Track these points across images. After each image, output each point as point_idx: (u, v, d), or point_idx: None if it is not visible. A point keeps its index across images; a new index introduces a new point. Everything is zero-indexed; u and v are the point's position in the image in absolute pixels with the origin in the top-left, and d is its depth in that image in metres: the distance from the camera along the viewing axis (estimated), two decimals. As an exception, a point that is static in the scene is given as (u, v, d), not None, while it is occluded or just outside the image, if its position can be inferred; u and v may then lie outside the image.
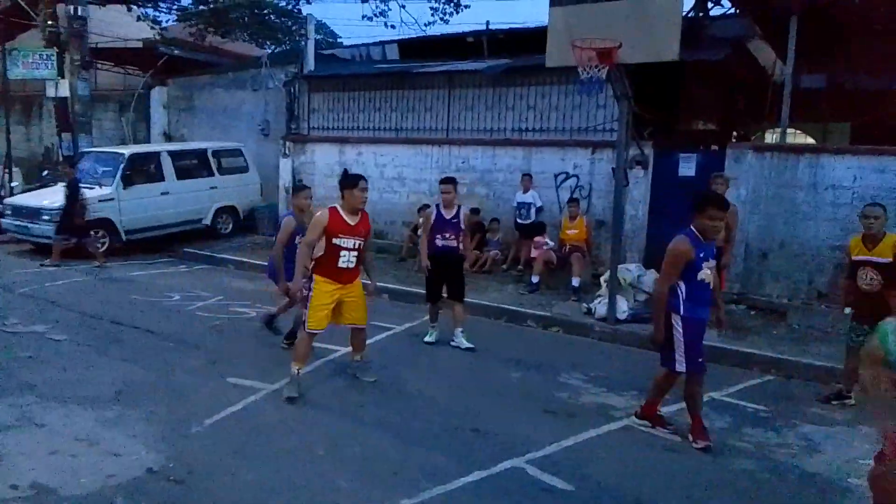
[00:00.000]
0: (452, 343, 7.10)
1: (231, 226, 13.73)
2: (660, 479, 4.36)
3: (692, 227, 4.73)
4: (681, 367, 4.77)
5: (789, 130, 11.03)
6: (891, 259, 5.46)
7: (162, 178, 12.55)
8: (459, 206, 7.10)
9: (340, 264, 5.49)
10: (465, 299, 7.34)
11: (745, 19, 11.26)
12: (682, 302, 4.73)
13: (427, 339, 7.27)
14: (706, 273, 4.71)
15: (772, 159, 9.14)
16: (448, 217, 7.04)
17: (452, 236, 7.03)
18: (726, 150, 9.59)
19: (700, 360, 4.79)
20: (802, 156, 9.05)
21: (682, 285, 4.72)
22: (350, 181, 5.58)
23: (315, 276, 5.50)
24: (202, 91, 16.47)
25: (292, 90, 14.36)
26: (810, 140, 15.14)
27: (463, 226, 7.10)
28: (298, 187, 7.37)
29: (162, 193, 12.46)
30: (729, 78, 13.14)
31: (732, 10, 11.51)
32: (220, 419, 5.04)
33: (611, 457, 4.66)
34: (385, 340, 7.33)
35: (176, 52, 17.53)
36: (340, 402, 5.51)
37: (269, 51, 21.72)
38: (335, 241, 5.43)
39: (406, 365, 6.53)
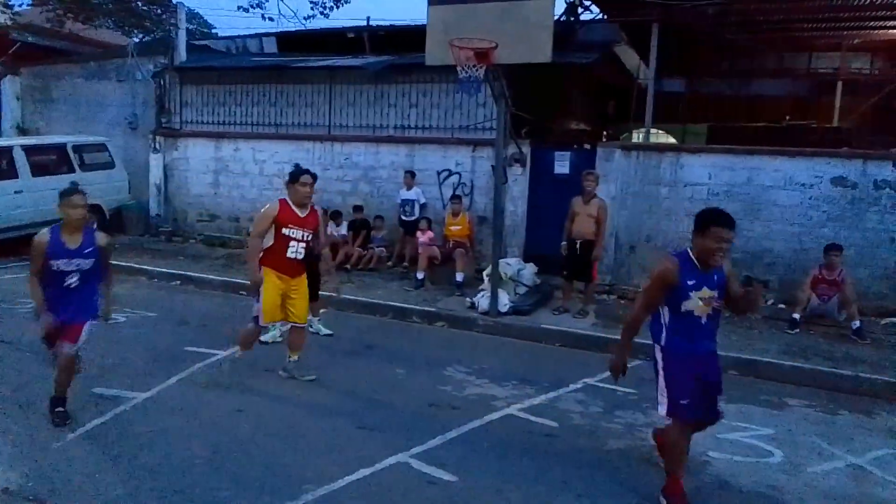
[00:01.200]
0: (311, 329, 6.90)
1: (96, 226, 12.76)
2: (539, 464, 4.54)
3: (689, 248, 3.97)
4: (662, 409, 4.01)
5: (653, 131, 11.79)
6: None
7: (15, 176, 11.48)
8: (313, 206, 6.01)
9: (289, 254, 5.62)
10: (349, 297, 7.35)
11: (613, 26, 11.94)
12: (664, 331, 4.02)
13: (264, 337, 6.66)
14: (695, 303, 3.86)
15: (638, 158, 9.75)
16: (302, 216, 5.81)
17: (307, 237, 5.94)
18: (597, 149, 10.12)
19: (684, 402, 3.90)
20: (665, 155, 9.72)
21: (667, 313, 3.98)
22: (292, 177, 5.75)
23: (264, 268, 5.60)
24: (61, 81, 15.23)
25: (162, 82, 13.63)
26: (672, 140, 16.25)
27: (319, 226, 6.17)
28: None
29: (15, 192, 11.40)
30: (599, 80, 13.87)
31: (601, 17, 12.13)
32: (85, 432, 4.71)
33: (493, 446, 4.80)
34: (258, 345, 7.12)
35: (30, 38, 16.05)
36: (217, 408, 5.30)
37: (137, 40, 20.43)
38: (284, 231, 5.59)
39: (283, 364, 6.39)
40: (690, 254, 3.93)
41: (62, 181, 11.91)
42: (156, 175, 13.48)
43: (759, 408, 5.76)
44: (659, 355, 4.06)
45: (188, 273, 10.07)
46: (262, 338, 6.60)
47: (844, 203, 8.68)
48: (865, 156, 8.78)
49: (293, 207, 5.68)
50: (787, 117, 15.90)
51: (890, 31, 12.44)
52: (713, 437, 5.04)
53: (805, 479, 4.47)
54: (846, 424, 5.50)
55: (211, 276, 9.93)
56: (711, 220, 3.80)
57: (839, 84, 14.44)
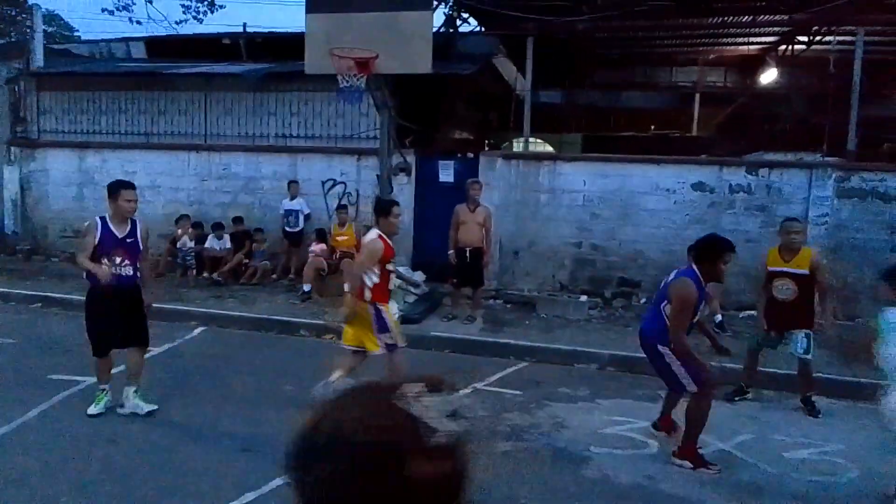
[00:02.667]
0: (120, 409, 5.32)
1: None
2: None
3: (697, 269, 4.71)
4: (692, 387, 4.70)
5: (532, 140, 12.22)
6: (808, 271, 5.81)
7: None
8: (135, 221, 5.42)
9: (390, 286, 5.54)
10: (232, 312, 7.01)
11: (491, 38, 12.27)
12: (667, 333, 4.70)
13: (92, 409, 5.29)
14: (700, 315, 4.97)
15: (518, 166, 10.07)
16: (120, 235, 5.28)
17: (127, 261, 5.29)
18: (479, 158, 10.36)
19: (705, 375, 4.72)
20: (543, 163, 10.10)
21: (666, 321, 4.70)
22: (384, 208, 5.48)
23: (381, 306, 5.29)
24: None
25: (17, 88, 12.55)
26: (550, 149, 16.92)
27: (141, 246, 5.43)
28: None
29: None
30: (480, 91, 14.21)
31: (479, 29, 12.45)
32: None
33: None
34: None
35: None
36: (85, 439, 4.92)
37: (-14, 42, 18.71)
38: (388, 266, 5.38)
39: (172, 389, 6.05)
40: (698, 273, 4.70)
41: None
42: (11, 189, 12.40)
43: (635, 402, 6.08)
44: (667, 352, 4.71)
45: (51, 294, 9.30)
46: (90, 411, 5.29)
47: (705, 206, 9.38)
48: (721, 162, 9.55)
49: (389, 241, 5.40)
50: (653, 127, 17.00)
51: (740, 47, 13.62)
52: (594, 433, 5.28)
53: (677, 468, 4.76)
54: (712, 412, 5.89)
55: (77, 297, 9.16)
56: (724, 249, 4.66)
57: (697, 96, 15.62)
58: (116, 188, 5.41)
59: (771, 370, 6.80)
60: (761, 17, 10.75)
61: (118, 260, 5.25)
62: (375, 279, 5.25)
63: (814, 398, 6.03)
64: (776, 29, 11.82)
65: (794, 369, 6.81)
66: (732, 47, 13.73)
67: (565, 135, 16.02)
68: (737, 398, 6.20)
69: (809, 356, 5.96)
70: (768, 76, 13.94)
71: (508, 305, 9.55)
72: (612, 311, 9.17)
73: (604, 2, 10.25)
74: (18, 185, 12.38)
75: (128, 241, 5.33)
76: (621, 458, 4.90)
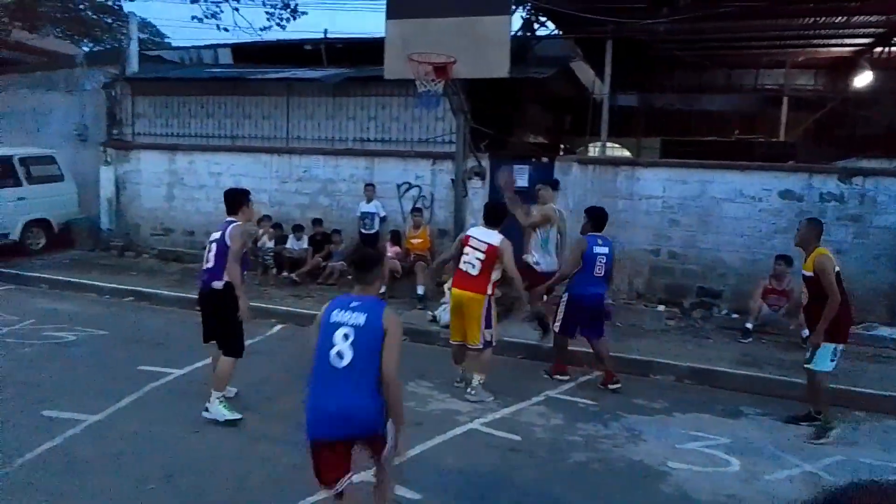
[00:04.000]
0: (204, 413, 5.26)
1: (43, 240, 12.41)
2: (503, 479, 4.55)
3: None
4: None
5: (608, 144, 12.02)
6: (812, 273, 5.40)
7: (-42, 188, 11.07)
8: (231, 223, 5.35)
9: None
10: (310, 311, 7.16)
11: (568, 41, 12.14)
12: None
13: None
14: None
15: (594, 171, 9.91)
16: (214, 236, 5.42)
17: (209, 263, 5.33)
18: (554, 163, 10.25)
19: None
20: (620, 168, 9.90)
21: None
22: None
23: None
24: (5, 92, 14.72)
25: (113, 93, 13.30)
26: (627, 153, 16.59)
27: (230, 244, 5.22)
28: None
29: (-42, 205, 10.99)
30: (555, 94, 14.08)
31: (557, 32, 12.34)
32: (34, 457, 4.54)
33: (457, 461, 4.79)
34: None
35: (-27, 47, 15.56)
36: (172, 430, 5.17)
37: (87, 49, 19.94)
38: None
39: (253, 384, 6.26)
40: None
41: (7, 195, 11.66)
42: (107, 188, 13.12)
43: (715, 417, 5.88)
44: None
45: (141, 289, 9.80)
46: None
47: (792, 215, 8.96)
48: (811, 169, 9.10)
49: None
50: (736, 131, 16.40)
51: (832, 49, 12.98)
52: (672, 447, 5.14)
53: (761, 487, 4.58)
54: (799, 432, 5.65)
55: (165, 292, 9.69)
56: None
57: (785, 99, 14.97)
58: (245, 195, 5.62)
59: (861, 389, 6.45)
60: (855, 17, 10.21)
61: (206, 262, 5.39)
62: (497, 275, 5.92)
63: (830, 420, 5.48)
64: (871, 30, 11.21)
65: (886, 389, 6.47)
66: (823, 49, 13.10)
67: (643, 139, 15.68)
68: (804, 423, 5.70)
69: (811, 366, 5.47)
70: (862, 79, 13.22)
71: (582, 312, 9.39)
72: (691, 321, 8.89)
73: (686, 3, 9.97)
74: (114, 185, 13.09)
75: (214, 241, 5.37)
76: (701, 475, 4.74)
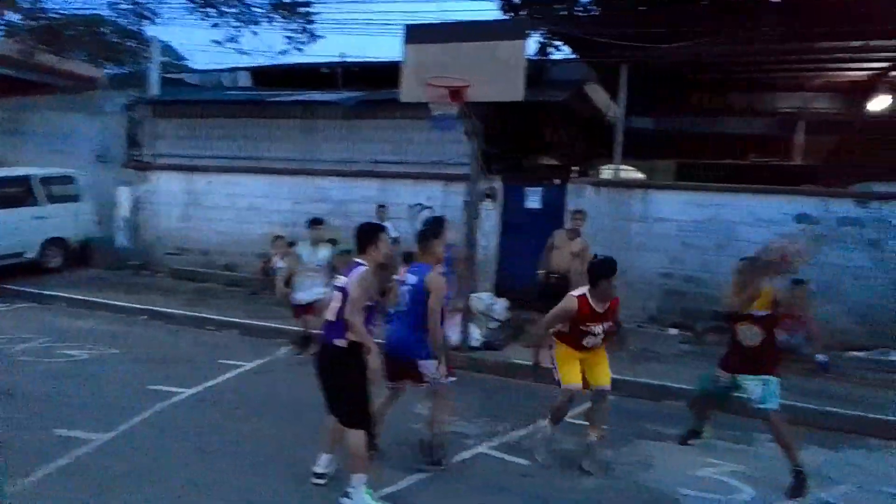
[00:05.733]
0: (345, 501, 4.32)
1: (60, 259, 12.57)
2: (514, 503, 4.49)
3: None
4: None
5: (622, 167, 12.00)
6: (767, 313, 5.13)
7: (-22, 208, 11.26)
8: (358, 265, 4.45)
9: (585, 343, 5.25)
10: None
11: (583, 65, 12.19)
12: None
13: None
14: None
15: (608, 194, 9.89)
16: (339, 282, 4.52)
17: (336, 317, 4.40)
18: (567, 185, 10.25)
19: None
20: (634, 191, 9.88)
21: None
22: (604, 273, 5.18)
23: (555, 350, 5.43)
24: (30, 113, 15.02)
25: (135, 115, 13.54)
26: (641, 176, 16.53)
27: (355, 292, 4.31)
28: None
29: (-22, 224, 11.17)
30: (569, 117, 14.10)
31: (572, 56, 12.40)
32: (44, 475, 4.55)
33: (464, 486, 4.73)
34: (234, 379, 6.99)
35: (1, 70, 15.92)
36: (183, 449, 5.16)
37: (110, 72, 20.34)
38: (581, 327, 5.18)
39: (262, 404, 6.26)
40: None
41: (25, 214, 11.85)
42: (124, 208, 13.30)
43: (727, 443, 5.77)
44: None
45: (155, 308, 9.88)
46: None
47: (809, 239, 8.87)
48: (828, 193, 9.03)
49: (592, 303, 5.19)
50: (752, 155, 16.29)
51: (849, 72, 12.89)
52: (684, 474, 5.05)
53: (774, 517, 4.48)
54: (814, 459, 5.52)
55: (179, 311, 9.75)
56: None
57: (802, 123, 14.86)
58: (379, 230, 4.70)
59: (876, 416, 6.32)
60: (873, 41, 10.16)
61: (329, 314, 4.48)
62: (565, 329, 5.29)
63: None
64: (889, 54, 11.14)
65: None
66: (841, 72, 13.02)
67: (657, 162, 15.63)
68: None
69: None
70: (879, 103, 13.11)
71: (594, 336, 9.31)
72: (704, 345, 8.77)
73: (702, 28, 9.98)
74: (131, 205, 13.28)
75: (339, 287, 4.47)
76: (712, 501, 4.65)
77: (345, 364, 4.36)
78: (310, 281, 7.70)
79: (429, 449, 4.97)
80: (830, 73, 13.09)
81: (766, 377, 5.09)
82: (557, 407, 5.23)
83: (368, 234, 4.57)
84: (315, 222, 8.04)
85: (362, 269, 4.39)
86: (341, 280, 4.46)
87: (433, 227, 5.18)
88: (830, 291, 8.72)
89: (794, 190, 9.36)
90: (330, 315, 4.40)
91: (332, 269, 7.11)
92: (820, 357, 7.80)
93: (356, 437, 4.30)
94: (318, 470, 4.63)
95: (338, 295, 4.39)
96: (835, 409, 6.49)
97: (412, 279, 4.92)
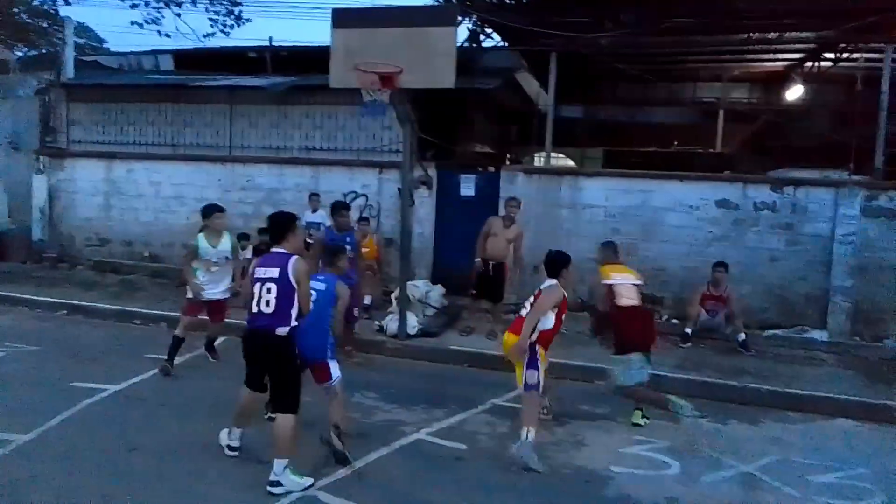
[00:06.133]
0: (274, 489, 4.36)
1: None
2: (448, 488, 4.53)
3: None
4: None
5: (553, 154, 12.21)
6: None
7: None
8: (286, 256, 4.58)
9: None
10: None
11: (514, 53, 12.30)
12: None
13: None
14: None
15: (539, 181, 10.04)
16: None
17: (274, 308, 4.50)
18: (500, 173, 10.35)
19: None
20: (564, 178, 10.07)
21: None
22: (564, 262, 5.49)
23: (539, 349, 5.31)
24: (-69, 96, 14.03)
25: (48, 99, 12.83)
26: (571, 163, 16.87)
27: (297, 285, 4.52)
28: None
29: None
30: (501, 105, 14.23)
31: (502, 44, 12.49)
32: (-45, 481, 4.30)
33: (402, 472, 4.75)
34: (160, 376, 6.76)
35: None
36: (108, 449, 4.96)
37: (20, 55, 19.14)
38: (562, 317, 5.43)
39: (187, 401, 6.08)
40: None
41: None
42: (39, 197, 12.63)
43: (656, 421, 5.98)
44: None
45: (76, 301, 9.43)
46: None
47: (728, 223, 9.28)
48: (746, 179, 9.44)
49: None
50: (676, 143, 16.88)
51: (765, 63, 13.50)
52: (615, 452, 5.22)
53: (700, 489, 4.69)
54: (736, 434, 5.82)
55: (102, 305, 9.35)
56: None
57: (721, 112, 15.49)
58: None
59: (795, 391, 6.70)
60: (788, 33, 10.66)
61: (262, 305, 4.53)
62: (549, 324, 5.32)
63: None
64: (803, 46, 11.72)
65: (818, 390, 6.75)
66: (757, 63, 13.62)
67: (587, 150, 15.97)
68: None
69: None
70: (794, 92, 13.79)
71: (527, 320, 9.47)
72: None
73: (627, 19, 10.23)
74: (46, 194, 12.61)
75: (270, 279, 4.53)
76: (642, 478, 4.83)
77: (287, 353, 4.53)
78: (214, 275, 6.84)
79: (331, 447, 4.80)
80: (748, 63, 13.68)
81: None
82: (536, 409, 5.30)
83: (286, 223, 4.71)
84: (215, 209, 7.00)
85: (296, 257, 4.56)
86: (267, 271, 4.52)
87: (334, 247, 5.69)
88: (748, 273, 9.16)
89: (714, 176, 9.75)
90: (266, 306, 4.45)
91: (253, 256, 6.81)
92: (740, 336, 8.23)
93: (288, 421, 4.48)
94: (234, 444, 4.86)
95: (272, 287, 4.46)
96: (754, 385, 6.83)
97: (320, 286, 5.03)
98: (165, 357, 6.70)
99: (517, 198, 8.69)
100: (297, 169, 11.23)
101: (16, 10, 19.79)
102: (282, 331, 4.46)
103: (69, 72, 12.82)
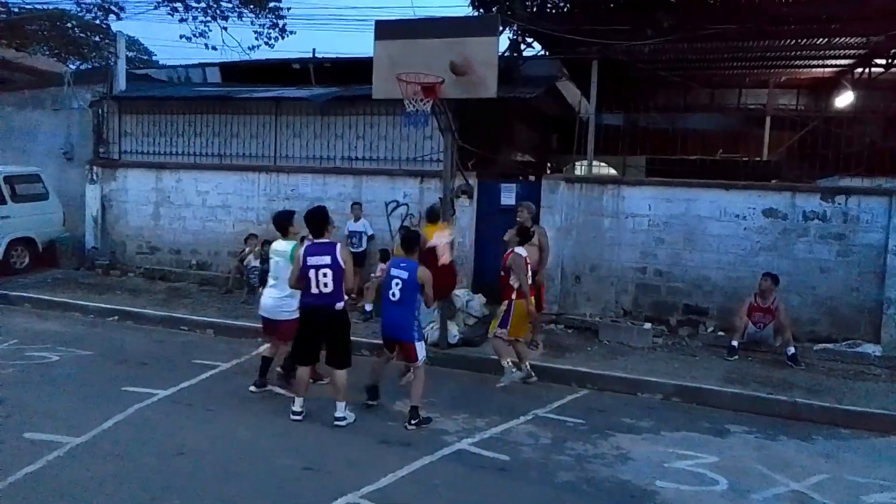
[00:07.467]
0: (341, 423, 5.70)
1: (27, 259, 12.28)
2: (492, 500, 4.52)
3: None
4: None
5: (595, 163, 12.12)
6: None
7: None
8: (333, 245, 5.82)
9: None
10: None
11: (555, 62, 12.27)
12: None
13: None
14: None
15: (581, 189, 9.97)
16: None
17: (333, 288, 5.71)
18: (542, 181, 10.31)
19: None
20: (607, 187, 9.97)
21: None
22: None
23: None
24: (-9, 109, 14.63)
25: (100, 111, 13.27)
26: (613, 172, 16.71)
27: (342, 262, 5.70)
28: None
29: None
30: (542, 114, 14.20)
31: (543, 53, 12.48)
32: (15, 481, 4.46)
33: (445, 482, 4.76)
34: (209, 380, 6.91)
35: (-42, 65, 15.48)
36: (155, 452, 5.09)
37: (74, 67, 19.88)
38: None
39: (233, 406, 6.21)
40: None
41: (-8, 213, 11.54)
42: (92, 206, 13.04)
43: (702, 435, 5.89)
44: None
45: (126, 308, 9.70)
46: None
47: (776, 233, 9.06)
48: (794, 188, 9.21)
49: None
50: (720, 150, 16.58)
51: (813, 69, 13.21)
52: (660, 466, 5.14)
53: (748, 506, 4.58)
54: (786, 450, 5.67)
55: (151, 311, 9.60)
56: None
57: (768, 119, 15.18)
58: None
59: (847, 407, 6.50)
60: (837, 39, 10.41)
61: (321, 286, 5.72)
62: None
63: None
64: (852, 52, 11.43)
65: (871, 406, 6.54)
66: (805, 70, 13.33)
67: (629, 157, 15.80)
68: None
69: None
70: (843, 99, 13.45)
71: (570, 330, 9.40)
72: (678, 339, 8.93)
73: (670, 25, 10.13)
74: (99, 204, 13.02)
75: (325, 266, 5.71)
76: (689, 494, 4.74)
77: (344, 322, 5.83)
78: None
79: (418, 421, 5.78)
80: (796, 69, 13.39)
81: None
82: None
83: (324, 217, 5.89)
84: (287, 216, 7.23)
85: (341, 245, 5.78)
86: (320, 258, 5.60)
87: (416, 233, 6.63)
88: (797, 284, 8.93)
89: (761, 185, 9.54)
90: (325, 287, 5.59)
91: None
92: (789, 349, 8.02)
93: (344, 375, 5.75)
94: (297, 409, 5.80)
95: (328, 272, 5.57)
96: (805, 400, 6.65)
97: (402, 274, 5.83)
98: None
99: (523, 203, 8.45)
100: (340, 178, 11.38)
101: (69, 25, 20.61)
102: (339, 305, 5.69)
103: (121, 84, 13.23)
